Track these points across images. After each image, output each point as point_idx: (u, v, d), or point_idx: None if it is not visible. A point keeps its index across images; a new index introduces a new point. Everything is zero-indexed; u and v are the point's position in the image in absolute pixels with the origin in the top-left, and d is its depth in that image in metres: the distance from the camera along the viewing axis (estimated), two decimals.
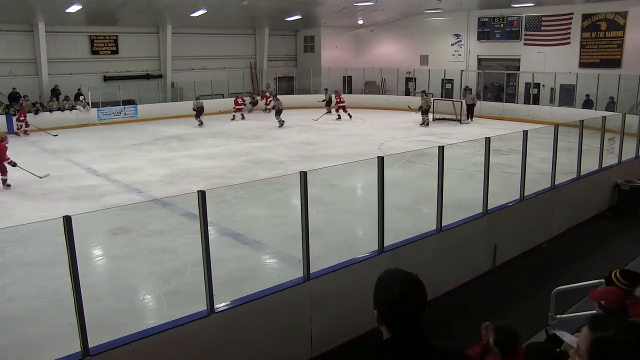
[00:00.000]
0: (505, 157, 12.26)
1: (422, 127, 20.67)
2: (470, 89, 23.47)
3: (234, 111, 23.09)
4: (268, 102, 24.61)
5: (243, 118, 23.14)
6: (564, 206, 9.22)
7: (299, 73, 29.71)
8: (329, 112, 23.22)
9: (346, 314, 5.56)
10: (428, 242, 6.71)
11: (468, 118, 22.32)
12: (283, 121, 20.84)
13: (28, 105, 20.44)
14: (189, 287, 6.46)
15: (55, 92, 21.73)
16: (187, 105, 24.24)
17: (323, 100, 23.86)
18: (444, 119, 22.24)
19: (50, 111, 20.97)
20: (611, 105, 19.93)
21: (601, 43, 21.52)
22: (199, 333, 4.70)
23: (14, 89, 20.94)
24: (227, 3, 21.64)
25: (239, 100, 23.35)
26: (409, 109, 21.91)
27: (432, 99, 22.59)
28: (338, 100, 23.12)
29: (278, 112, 21.00)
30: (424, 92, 21.98)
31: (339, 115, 22.86)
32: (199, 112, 21.24)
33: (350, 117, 22.57)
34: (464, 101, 22.63)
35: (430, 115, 22.09)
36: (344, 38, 29.61)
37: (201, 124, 21.12)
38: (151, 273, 7.50)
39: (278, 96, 22.47)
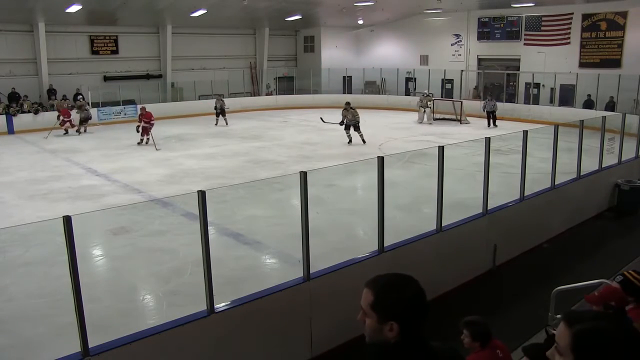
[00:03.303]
0: (505, 157, 12.25)
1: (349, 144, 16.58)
2: (490, 96, 21.59)
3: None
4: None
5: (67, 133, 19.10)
6: (564, 206, 9.22)
7: (299, 73, 29.70)
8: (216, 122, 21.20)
9: (346, 314, 5.51)
10: (428, 242, 6.70)
11: (490, 125, 20.44)
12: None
13: (62, 103, 20.82)
14: (189, 287, 6.45)
15: (50, 93, 21.75)
16: (188, 105, 24.40)
17: (215, 108, 21.51)
18: (443, 119, 22.21)
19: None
20: (611, 105, 19.92)
21: (601, 43, 21.52)
22: (199, 333, 4.69)
23: (13, 88, 20.97)
24: (227, 3, 21.63)
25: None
26: (322, 121, 18.48)
27: (432, 99, 22.52)
28: (144, 118, 17.00)
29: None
30: (347, 104, 17.00)
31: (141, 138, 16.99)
32: None
33: (141, 142, 16.91)
34: (482, 103, 21.51)
35: (429, 116, 22.09)
36: (344, 38, 29.61)
37: None
38: (151, 273, 7.50)
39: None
